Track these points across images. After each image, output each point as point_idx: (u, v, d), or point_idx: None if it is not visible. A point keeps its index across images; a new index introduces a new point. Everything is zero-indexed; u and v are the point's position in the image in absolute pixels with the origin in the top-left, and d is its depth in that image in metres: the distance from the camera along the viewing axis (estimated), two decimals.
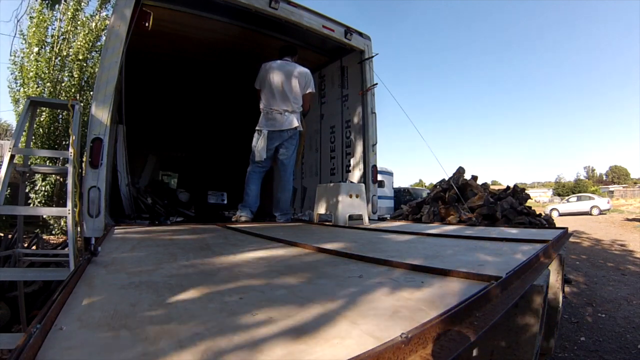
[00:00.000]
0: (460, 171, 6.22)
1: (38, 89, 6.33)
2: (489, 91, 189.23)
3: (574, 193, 31.51)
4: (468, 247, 1.71)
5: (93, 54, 7.06)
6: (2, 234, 4.24)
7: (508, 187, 6.26)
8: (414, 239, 2.17)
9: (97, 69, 4.43)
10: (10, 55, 6.38)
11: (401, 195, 14.06)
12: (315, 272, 1.20)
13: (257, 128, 3.58)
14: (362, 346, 0.59)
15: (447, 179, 5.90)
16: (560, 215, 20.13)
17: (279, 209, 3.71)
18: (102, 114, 2.43)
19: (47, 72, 6.40)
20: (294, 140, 3.68)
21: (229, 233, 2.37)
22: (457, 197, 5.39)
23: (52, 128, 6.49)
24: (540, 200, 44.41)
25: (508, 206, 5.46)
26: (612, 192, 44.85)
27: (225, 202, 6.49)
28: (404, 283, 1.03)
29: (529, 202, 6.62)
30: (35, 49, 6.37)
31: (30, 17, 6.47)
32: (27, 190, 5.90)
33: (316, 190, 3.64)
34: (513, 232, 2.44)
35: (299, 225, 3.23)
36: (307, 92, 3.65)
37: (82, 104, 3.67)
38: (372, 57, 4.08)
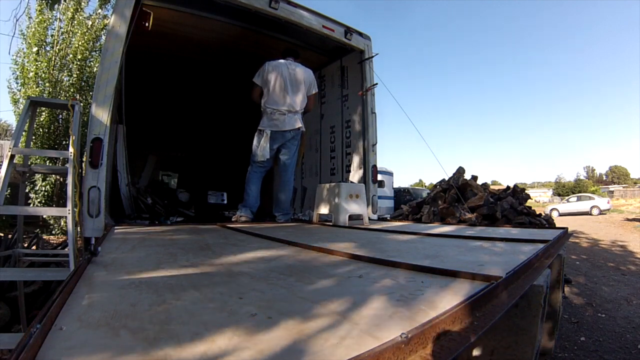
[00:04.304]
0: (460, 171, 6.23)
1: (37, 89, 6.33)
2: (489, 91, 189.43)
3: (574, 193, 31.52)
4: (468, 247, 1.71)
5: (93, 54, 7.07)
6: (2, 234, 4.24)
7: (508, 187, 6.26)
8: (414, 239, 2.17)
9: (97, 69, 4.43)
10: (11, 55, 6.41)
11: (401, 195, 14.07)
12: (315, 272, 1.20)
13: (259, 128, 3.57)
14: (362, 346, 0.59)
15: (447, 179, 5.91)
16: (560, 215, 20.15)
17: (279, 209, 3.71)
18: (102, 114, 2.43)
19: (46, 72, 6.41)
20: (296, 141, 3.68)
21: (229, 233, 2.37)
22: (457, 197, 5.39)
23: (52, 128, 6.49)
24: (540, 200, 44.44)
25: (508, 206, 5.45)
26: (612, 192, 44.82)
27: (225, 202, 6.50)
28: (404, 283, 1.03)
29: (529, 202, 6.62)
30: (35, 49, 6.36)
31: (29, 17, 6.48)
32: (27, 190, 5.91)
33: (316, 190, 3.64)
34: (513, 232, 2.44)
35: (299, 225, 3.23)
36: (312, 93, 3.70)
37: (82, 104, 3.67)
38: (372, 57, 4.08)
